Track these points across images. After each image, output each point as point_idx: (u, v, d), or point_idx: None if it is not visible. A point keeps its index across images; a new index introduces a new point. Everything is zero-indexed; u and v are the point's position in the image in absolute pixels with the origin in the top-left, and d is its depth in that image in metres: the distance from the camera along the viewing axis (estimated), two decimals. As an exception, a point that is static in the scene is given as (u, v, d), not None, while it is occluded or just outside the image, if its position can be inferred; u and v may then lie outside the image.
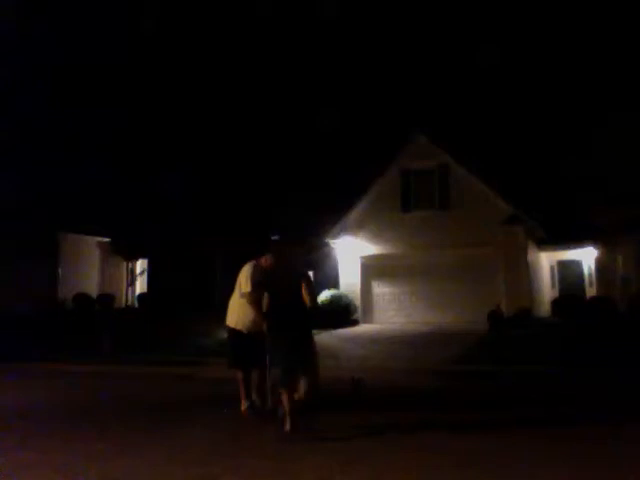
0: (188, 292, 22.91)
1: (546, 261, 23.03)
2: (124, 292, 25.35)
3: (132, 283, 25.94)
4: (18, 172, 24.41)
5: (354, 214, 20.91)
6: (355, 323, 19.39)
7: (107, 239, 25.61)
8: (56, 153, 25.80)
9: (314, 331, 6.95)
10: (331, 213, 21.20)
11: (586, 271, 22.75)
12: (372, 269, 20.57)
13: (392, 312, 19.92)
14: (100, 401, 8.63)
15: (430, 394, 8.95)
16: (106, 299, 23.56)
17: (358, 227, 20.79)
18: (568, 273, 22.94)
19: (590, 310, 17.09)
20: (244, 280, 7.09)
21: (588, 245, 21.74)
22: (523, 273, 18.77)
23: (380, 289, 20.46)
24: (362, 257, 20.67)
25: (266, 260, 7.20)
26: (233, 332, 7.29)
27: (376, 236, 20.52)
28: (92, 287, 24.56)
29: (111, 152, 27.46)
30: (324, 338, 14.76)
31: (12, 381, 10.76)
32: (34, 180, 25.03)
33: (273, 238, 8.28)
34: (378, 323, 19.20)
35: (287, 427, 6.19)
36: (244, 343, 7.16)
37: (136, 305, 24.36)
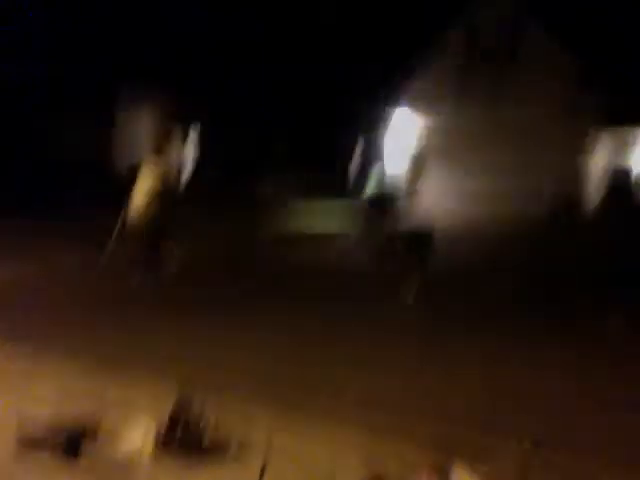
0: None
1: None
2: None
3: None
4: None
5: (413, 83, 20.11)
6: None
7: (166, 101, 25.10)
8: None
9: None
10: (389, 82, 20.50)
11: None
12: (429, 143, 19.96)
13: (446, 194, 19.35)
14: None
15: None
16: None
17: (417, 97, 19.97)
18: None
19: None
20: None
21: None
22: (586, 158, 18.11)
23: (436, 167, 19.91)
24: (418, 129, 20.18)
25: None
26: None
27: (435, 105, 19.66)
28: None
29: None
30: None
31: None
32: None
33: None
34: (429, 207, 18.71)
35: None
36: None
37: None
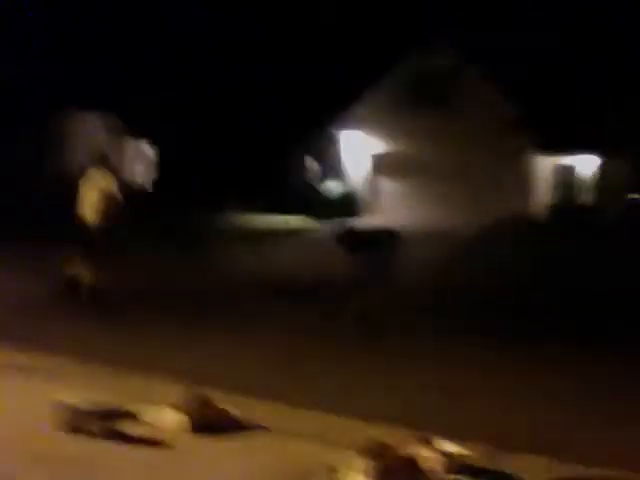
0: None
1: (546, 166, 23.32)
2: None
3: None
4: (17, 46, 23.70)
5: (363, 107, 21.04)
6: (361, 216, 19.97)
7: (112, 116, 25.17)
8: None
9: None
10: (341, 106, 21.34)
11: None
12: (382, 165, 21.04)
13: (398, 208, 20.40)
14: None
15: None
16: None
17: (369, 122, 20.97)
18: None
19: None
20: None
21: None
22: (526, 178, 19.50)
23: (388, 185, 21.01)
24: (372, 152, 21.18)
25: None
26: None
27: (387, 133, 20.80)
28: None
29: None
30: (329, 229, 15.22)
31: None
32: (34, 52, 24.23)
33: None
34: (384, 218, 19.59)
35: None
36: None
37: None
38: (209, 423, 3.94)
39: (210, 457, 3.63)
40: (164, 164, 26.01)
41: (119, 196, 8.12)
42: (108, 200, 7.99)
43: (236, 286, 9.47)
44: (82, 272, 7.88)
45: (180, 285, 9.39)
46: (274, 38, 25.48)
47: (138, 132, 25.58)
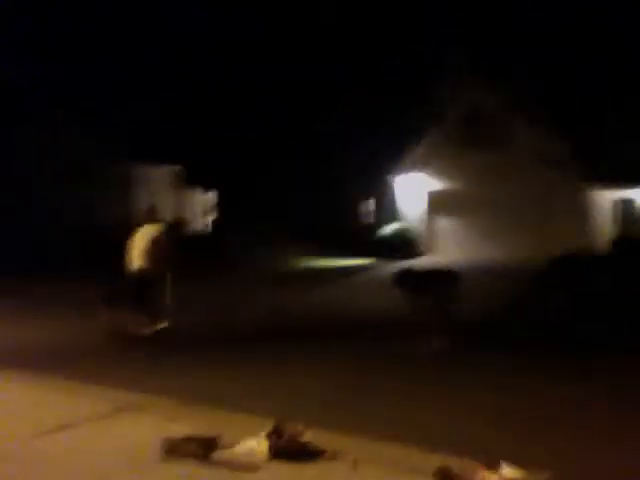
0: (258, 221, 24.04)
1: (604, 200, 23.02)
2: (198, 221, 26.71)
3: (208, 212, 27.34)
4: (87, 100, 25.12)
5: (419, 151, 21.59)
6: (419, 255, 20.37)
7: (179, 167, 26.27)
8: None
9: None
10: (395, 150, 21.89)
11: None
12: (437, 204, 21.45)
13: (454, 246, 20.71)
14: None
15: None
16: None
17: (423, 163, 21.48)
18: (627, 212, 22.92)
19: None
20: None
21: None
22: (583, 212, 19.35)
23: (444, 223, 21.36)
24: (427, 192, 21.61)
25: None
26: None
27: (441, 172, 21.23)
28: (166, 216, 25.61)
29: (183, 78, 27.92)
30: (387, 269, 15.66)
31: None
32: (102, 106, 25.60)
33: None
34: (441, 256, 19.93)
35: None
36: None
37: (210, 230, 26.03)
38: (289, 451, 4.33)
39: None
40: (231, 211, 26.94)
41: (166, 243, 8.67)
42: (156, 247, 8.58)
43: (301, 324, 9.90)
44: (131, 316, 8.46)
45: (251, 322, 9.91)
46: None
47: (202, 181, 26.66)
